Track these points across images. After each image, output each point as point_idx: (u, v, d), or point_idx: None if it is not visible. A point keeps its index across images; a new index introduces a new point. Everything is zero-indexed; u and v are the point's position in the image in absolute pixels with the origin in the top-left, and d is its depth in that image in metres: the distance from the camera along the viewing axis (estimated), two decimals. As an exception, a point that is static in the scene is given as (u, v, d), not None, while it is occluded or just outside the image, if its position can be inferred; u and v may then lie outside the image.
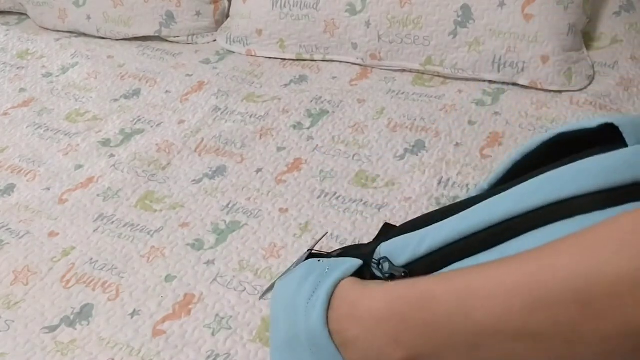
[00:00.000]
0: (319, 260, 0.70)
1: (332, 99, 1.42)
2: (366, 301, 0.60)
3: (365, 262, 0.67)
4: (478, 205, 0.64)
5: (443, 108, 1.37)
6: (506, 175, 0.71)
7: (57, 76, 1.57)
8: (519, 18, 1.41)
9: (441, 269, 0.63)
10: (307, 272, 0.67)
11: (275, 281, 0.73)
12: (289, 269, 0.73)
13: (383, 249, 0.67)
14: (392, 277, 0.65)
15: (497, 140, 1.26)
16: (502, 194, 0.63)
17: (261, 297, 0.84)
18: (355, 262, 0.67)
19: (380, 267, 0.66)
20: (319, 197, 1.14)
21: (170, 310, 0.94)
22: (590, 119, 0.64)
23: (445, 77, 1.48)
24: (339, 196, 1.14)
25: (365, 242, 0.88)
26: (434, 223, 0.66)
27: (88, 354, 0.88)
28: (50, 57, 1.64)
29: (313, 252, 0.75)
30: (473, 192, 0.76)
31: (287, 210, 1.11)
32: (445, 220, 0.65)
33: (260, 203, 1.14)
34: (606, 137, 0.61)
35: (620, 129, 0.60)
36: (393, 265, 0.66)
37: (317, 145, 1.28)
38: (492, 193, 0.65)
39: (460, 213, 0.64)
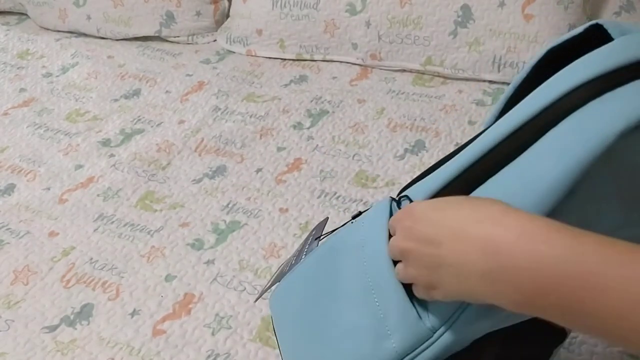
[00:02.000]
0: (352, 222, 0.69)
1: (332, 99, 1.42)
2: (487, 230, 0.51)
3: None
4: (484, 132, 0.63)
5: (443, 108, 1.37)
6: (504, 110, 0.68)
7: (57, 76, 1.57)
8: (519, 18, 1.41)
9: (466, 193, 0.60)
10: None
11: (271, 282, 0.73)
12: (290, 264, 0.73)
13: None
14: None
15: (497, 140, 1.26)
16: (505, 115, 0.62)
17: (257, 299, 0.84)
18: (384, 201, 0.65)
19: (399, 206, 0.65)
20: (319, 197, 1.14)
21: (170, 310, 0.94)
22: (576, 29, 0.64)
23: (445, 77, 1.48)
24: (339, 196, 1.14)
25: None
26: (445, 162, 0.65)
27: (88, 353, 0.88)
28: (51, 57, 1.64)
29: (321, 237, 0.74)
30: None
31: (287, 210, 1.12)
32: (458, 151, 0.64)
33: (260, 203, 1.14)
34: (594, 45, 0.60)
35: (605, 27, 0.60)
36: (412, 201, 0.64)
37: (317, 145, 1.28)
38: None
39: (470, 143, 0.63)
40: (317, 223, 1.07)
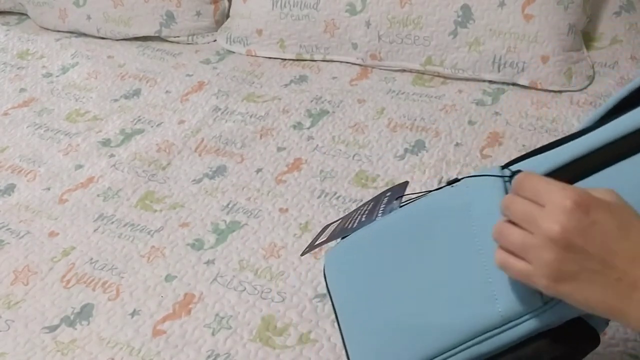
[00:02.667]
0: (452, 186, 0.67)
1: (332, 99, 1.42)
2: None
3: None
4: (597, 125, 0.63)
5: (443, 108, 1.37)
6: (619, 107, 0.67)
7: (57, 76, 1.57)
8: (519, 18, 1.41)
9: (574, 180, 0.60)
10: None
11: (329, 236, 0.71)
12: (358, 221, 0.71)
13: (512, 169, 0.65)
14: None
15: (497, 140, 1.26)
16: (629, 113, 0.61)
17: (305, 253, 0.80)
18: (493, 169, 0.64)
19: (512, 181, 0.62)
20: (319, 197, 1.14)
21: (170, 310, 0.94)
22: None
23: (445, 77, 1.48)
24: (339, 196, 1.14)
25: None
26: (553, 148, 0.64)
27: (88, 353, 0.88)
28: (51, 57, 1.64)
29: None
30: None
31: (287, 210, 1.12)
32: (561, 142, 0.64)
33: (260, 203, 1.14)
34: None
35: None
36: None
37: (317, 145, 1.28)
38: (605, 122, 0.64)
39: (581, 135, 0.63)
40: (317, 223, 1.08)
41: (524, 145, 1.24)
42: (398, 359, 0.64)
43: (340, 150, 1.26)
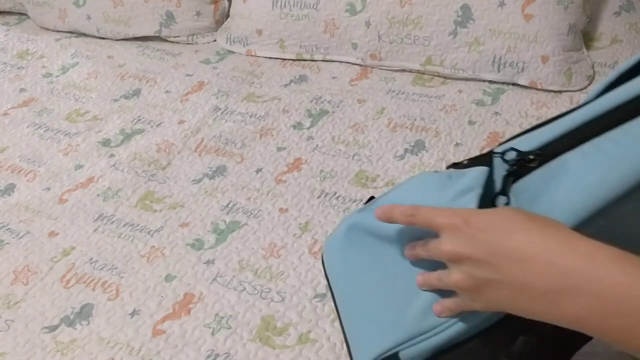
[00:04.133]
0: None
1: (332, 99, 1.42)
2: (552, 254, 0.53)
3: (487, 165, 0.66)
4: (593, 100, 0.64)
5: (443, 108, 1.37)
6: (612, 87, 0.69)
7: (57, 76, 1.57)
8: (519, 18, 1.41)
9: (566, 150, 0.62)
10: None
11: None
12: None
13: (502, 149, 0.67)
14: (523, 161, 0.64)
15: (497, 140, 1.26)
16: (617, 88, 0.63)
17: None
18: (481, 170, 0.66)
19: (504, 158, 0.65)
20: (319, 197, 1.14)
21: (170, 310, 0.94)
22: None
23: (445, 77, 1.48)
24: (339, 196, 1.14)
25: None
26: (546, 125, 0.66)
27: (88, 353, 0.88)
28: (50, 57, 1.64)
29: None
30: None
31: (287, 210, 1.12)
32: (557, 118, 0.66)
33: (260, 203, 1.14)
34: None
35: None
36: (521, 151, 0.64)
37: (317, 145, 1.28)
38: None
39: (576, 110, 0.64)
40: (317, 223, 1.08)
41: (523, 145, 1.24)
42: (372, 346, 0.67)
43: (340, 150, 1.26)
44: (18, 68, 1.61)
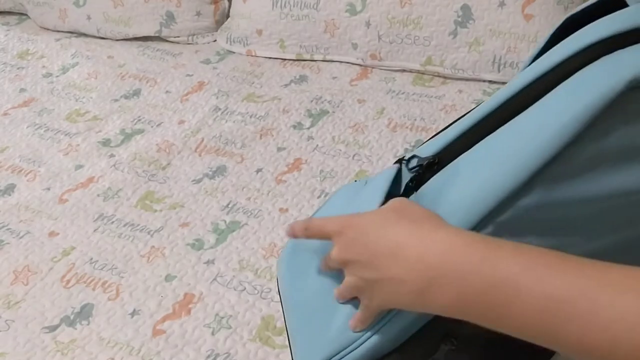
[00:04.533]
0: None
1: (332, 99, 1.42)
2: (420, 247, 0.55)
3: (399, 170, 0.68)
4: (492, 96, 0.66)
5: (443, 108, 1.37)
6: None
7: (57, 76, 1.57)
8: (519, 18, 1.41)
9: (464, 150, 0.64)
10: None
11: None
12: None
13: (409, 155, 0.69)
14: (421, 167, 0.66)
15: (497, 140, 1.26)
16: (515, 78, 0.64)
17: None
18: (391, 169, 0.68)
19: (408, 164, 0.68)
20: (319, 197, 1.14)
21: (170, 310, 0.94)
22: None
23: (445, 77, 1.48)
24: (339, 196, 1.14)
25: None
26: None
27: (88, 353, 0.88)
28: (51, 57, 1.64)
29: None
30: None
31: (287, 210, 1.12)
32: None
33: (260, 203, 1.14)
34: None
35: None
36: (421, 157, 0.66)
37: (317, 145, 1.28)
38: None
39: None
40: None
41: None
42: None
43: (340, 150, 1.26)
44: (18, 68, 1.61)
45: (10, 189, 1.21)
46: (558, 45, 0.61)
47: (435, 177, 0.65)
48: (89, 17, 1.72)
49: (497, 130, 0.62)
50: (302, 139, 1.30)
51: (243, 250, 1.04)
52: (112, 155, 1.28)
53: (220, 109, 1.41)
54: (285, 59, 1.60)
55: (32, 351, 0.89)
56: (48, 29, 1.81)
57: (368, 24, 1.50)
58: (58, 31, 1.79)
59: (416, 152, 0.68)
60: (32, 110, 1.44)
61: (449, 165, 0.64)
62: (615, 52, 0.56)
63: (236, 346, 0.88)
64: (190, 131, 1.34)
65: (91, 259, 1.04)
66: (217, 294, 0.96)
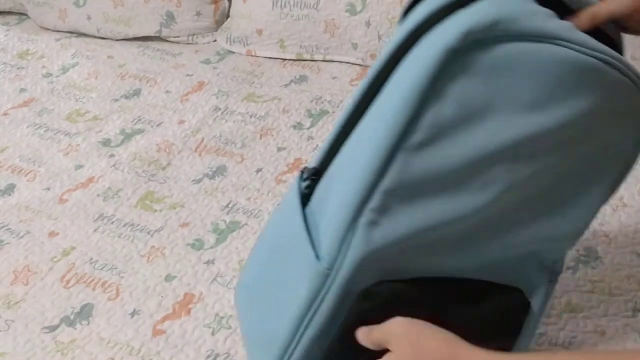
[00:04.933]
0: None
1: (332, 99, 1.42)
2: None
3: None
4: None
5: (443, 108, 1.37)
6: None
7: (57, 76, 1.57)
8: (519, 18, 1.41)
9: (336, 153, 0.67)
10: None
11: None
12: None
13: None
14: (308, 179, 0.69)
15: (497, 140, 1.26)
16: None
17: None
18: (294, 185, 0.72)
19: (302, 176, 0.71)
20: (319, 197, 1.14)
21: (170, 310, 0.94)
22: None
23: (445, 77, 1.48)
24: (339, 196, 1.14)
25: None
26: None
27: (88, 353, 0.88)
28: (51, 57, 1.64)
29: None
30: None
31: (287, 210, 1.12)
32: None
33: (260, 203, 1.14)
34: None
35: None
36: (309, 168, 0.69)
37: (317, 145, 1.28)
38: None
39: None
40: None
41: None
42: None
43: (340, 150, 1.26)
44: (18, 68, 1.61)
45: (10, 189, 1.21)
46: (395, 30, 0.65)
47: (318, 186, 0.68)
48: (89, 17, 1.72)
49: (358, 124, 0.65)
50: (302, 139, 1.30)
51: (243, 250, 1.04)
52: (112, 155, 1.28)
53: (220, 109, 1.41)
54: (285, 59, 1.60)
55: (32, 351, 0.89)
56: (48, 29, 1.81)
57: (368, 24, 1.50)
58: (58, 31, 1.79)
59: (310, 161, 0.72)
60: (32, 110, 1.44)
61: (327, 172, 0.67)
62: (446, 18, 0.58)
63: (236, 346, 0.88)
64: (190, 131, 1.34)
65: (91, 259, 1.04)
66: (217, 294, 0.96)
